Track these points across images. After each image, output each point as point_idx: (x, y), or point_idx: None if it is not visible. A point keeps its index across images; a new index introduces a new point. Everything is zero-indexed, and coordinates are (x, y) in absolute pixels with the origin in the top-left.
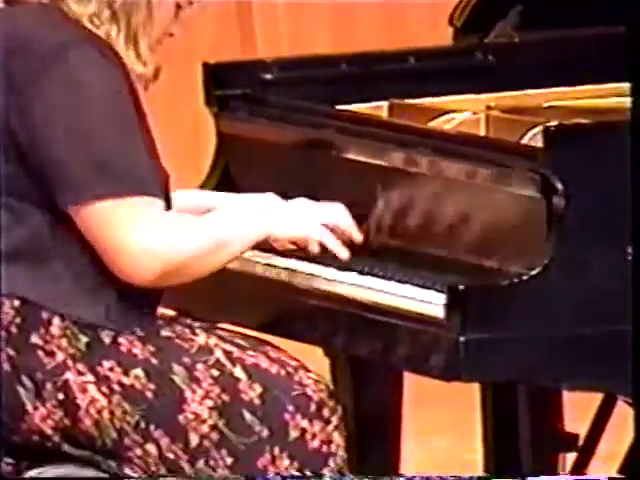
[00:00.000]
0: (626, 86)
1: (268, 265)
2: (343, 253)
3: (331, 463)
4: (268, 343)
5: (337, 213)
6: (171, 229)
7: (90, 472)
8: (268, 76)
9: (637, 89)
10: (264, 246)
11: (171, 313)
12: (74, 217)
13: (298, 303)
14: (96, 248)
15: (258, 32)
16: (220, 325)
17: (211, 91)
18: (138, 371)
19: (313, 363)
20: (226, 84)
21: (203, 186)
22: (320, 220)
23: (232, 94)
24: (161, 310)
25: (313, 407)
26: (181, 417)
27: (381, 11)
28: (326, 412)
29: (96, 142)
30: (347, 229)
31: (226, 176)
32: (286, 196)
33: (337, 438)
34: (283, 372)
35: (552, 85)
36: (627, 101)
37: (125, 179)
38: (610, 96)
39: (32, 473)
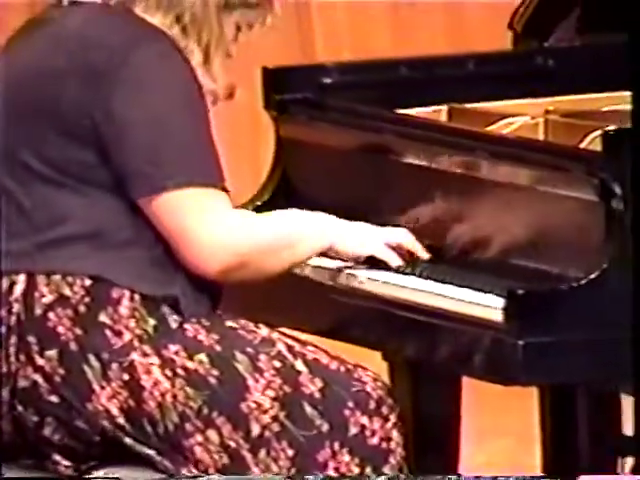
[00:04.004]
0: None
1: (322, 268)
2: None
3: (391, 460)
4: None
5: (400, 235)
6: (241, 222)
7: (147, 474)
8: (328, 80)
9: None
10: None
11: None
12: (146, 207)
13: (356, 307)
14: (166, 238)
15: (318, 36)
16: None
17: (271, 95)
18: (202, 356)
19: (371, 367)
20: (286, 88)
21: (262, 190)
22: (383, 240)
23: (292, 98)
24: None
25: (372, 404)
26: (243, 405)
27: (441, 15)
28: (385, 409)
29: (169, 135)
30: (412, 249)
31: (284, 180)
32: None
33: (396, 435)
34: (343, 368)
35: (611, 89)
36: None
37: (197, 171)
38: None
39: (91, 475)
